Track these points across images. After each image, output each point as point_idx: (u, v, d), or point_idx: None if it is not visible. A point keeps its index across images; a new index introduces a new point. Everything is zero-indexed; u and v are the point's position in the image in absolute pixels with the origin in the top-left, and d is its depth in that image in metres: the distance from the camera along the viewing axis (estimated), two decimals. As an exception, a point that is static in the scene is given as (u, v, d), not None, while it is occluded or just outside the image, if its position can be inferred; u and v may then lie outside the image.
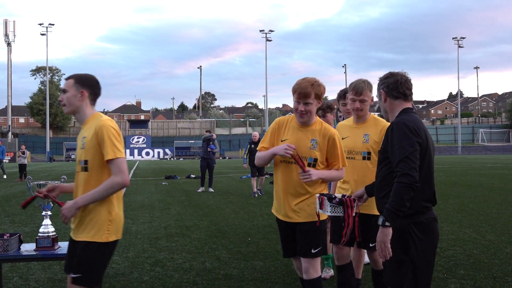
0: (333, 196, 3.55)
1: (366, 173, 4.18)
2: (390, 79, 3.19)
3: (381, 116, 4.38)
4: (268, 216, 10.27)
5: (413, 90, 3.24)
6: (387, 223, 2.87)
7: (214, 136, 16.81)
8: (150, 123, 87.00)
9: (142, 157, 69.71)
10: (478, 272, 5.69)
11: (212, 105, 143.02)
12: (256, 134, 15.88)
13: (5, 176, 25.26)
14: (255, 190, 14.79)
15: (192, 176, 23.46)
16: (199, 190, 16.16)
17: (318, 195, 3.69)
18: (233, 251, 6.97)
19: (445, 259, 6.35)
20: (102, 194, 3.13)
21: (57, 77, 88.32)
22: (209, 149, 16.30)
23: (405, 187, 2.84)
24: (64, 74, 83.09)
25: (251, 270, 5.93)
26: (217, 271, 5.93)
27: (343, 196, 3.60)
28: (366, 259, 5.49)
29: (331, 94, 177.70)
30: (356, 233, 3.77)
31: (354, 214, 3.55)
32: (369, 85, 4.24)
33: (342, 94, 4.85)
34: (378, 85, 3.28)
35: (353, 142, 4.31)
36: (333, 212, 3.53)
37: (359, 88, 4.19)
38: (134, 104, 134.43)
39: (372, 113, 4.40)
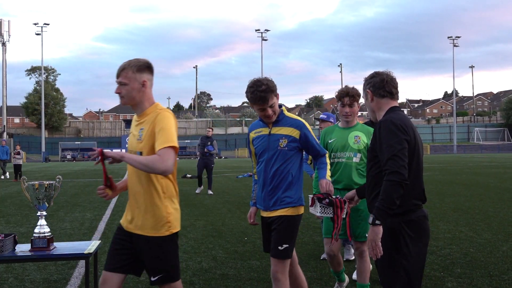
0: (324, 197, 3.57)
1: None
2: (376, 78, 3.19)
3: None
4: (265, 216, 10.26)
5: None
6: (377, 222, 2.86)
7: (210, 134, 15.68)
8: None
9: (138, 157, 69.55)
10: (475, 271, 5.70)
11: (208, 105, 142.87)
12: None
13: (2, 177, 25.22)
14: None
15: (188, 175, 23.42)
16: (197, 191, 15.52)
17: (310, 195, 3.72)
18: (229, 251, 6.96)
19: (441, 257, 6.35)
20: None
21: (52, 77, 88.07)
22: (206, 150, 15.52)
23: (394, 185, 2.83)
24: (60, 74, 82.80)
25: (248, 270, 5.91)
26: (213, 270, 5.91)
27: (336, 197, 3.63)
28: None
29: (327, 94, 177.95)
30: (348, 233, 3.77)
31: (344, 216, 3.57)
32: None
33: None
34: (364, 85, 3.27)
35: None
36: (322, 212, 3.58)
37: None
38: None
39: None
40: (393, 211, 2.86)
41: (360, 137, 4.66)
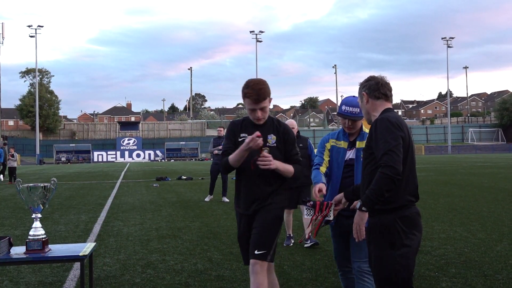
0: (307, 199, 3.75)
1: None
2: (371, 81, 3.35)
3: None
4: (260, 217, 10.26)
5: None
6: (363, 208, 3.04)
7: (222, 133, 13.70)
8: (140, 124, 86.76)
9: (133, 159, 69.49)
10: (469, 271, 5.73)
11: (202, 107, 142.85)
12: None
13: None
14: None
15: (183, 177, 23.40)
16: (207, 199, 13.72)
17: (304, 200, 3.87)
18: (225, 252, 6.97)
19: (436, 257, 6.38)
20: None
21: (46, 79, 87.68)
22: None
23: (387, 178, 2.91)
24: (54, 76, 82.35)
25: (243, 271, 5.92)
26: (209, 272, 5.92)
27: (324, 200, 3.77)
28: None
29: (321, 95, 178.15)
30: (315, 231, 3.80)
31: (328, 218, 3.64)
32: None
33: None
34: (359, 88, 3.42)
35: None
36: (308, 214, 3.74)
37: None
38: (125, 106, 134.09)
39: None
40: (380, 202, 2.97)
41: None
